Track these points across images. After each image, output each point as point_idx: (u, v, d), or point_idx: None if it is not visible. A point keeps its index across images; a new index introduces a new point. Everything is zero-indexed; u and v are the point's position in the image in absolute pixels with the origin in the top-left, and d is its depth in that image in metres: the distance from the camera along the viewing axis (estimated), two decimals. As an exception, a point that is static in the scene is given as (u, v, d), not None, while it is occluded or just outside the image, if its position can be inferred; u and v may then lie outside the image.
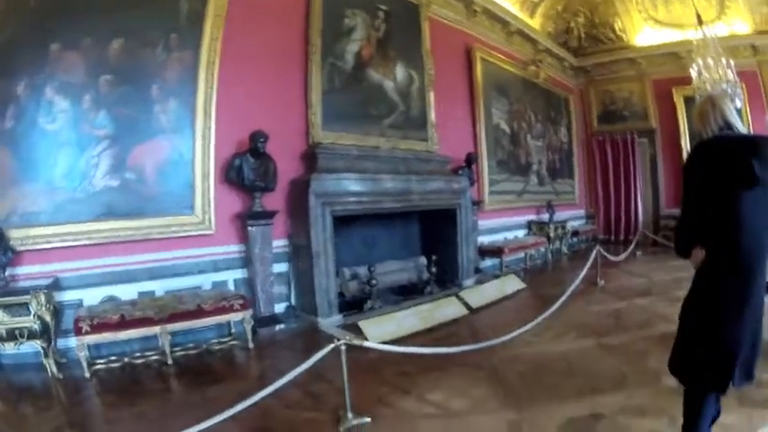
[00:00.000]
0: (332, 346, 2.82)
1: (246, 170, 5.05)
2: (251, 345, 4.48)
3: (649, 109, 11.93)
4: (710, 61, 8.06)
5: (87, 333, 3.72)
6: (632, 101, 12.18)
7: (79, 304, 4.23)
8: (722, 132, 2.28)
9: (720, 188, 2.14)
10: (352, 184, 5.71)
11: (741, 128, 2.31)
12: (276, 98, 5.63)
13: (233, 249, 5.21)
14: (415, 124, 7.19)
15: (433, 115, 7.44)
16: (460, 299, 5.89)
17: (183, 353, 4.26)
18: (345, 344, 2.84)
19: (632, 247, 9.17)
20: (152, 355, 4.12)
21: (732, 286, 2.14)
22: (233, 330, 4.72)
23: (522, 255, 8.87)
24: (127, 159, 4.53)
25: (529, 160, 10.41)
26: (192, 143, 4.92)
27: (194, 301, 4.31)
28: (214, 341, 4.54)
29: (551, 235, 9.79)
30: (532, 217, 10.17)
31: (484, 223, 8.49)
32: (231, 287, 5.11)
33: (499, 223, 9.09)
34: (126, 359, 4.06)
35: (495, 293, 6.41)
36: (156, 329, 3.97)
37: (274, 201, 5.39)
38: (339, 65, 6.31)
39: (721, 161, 2.15)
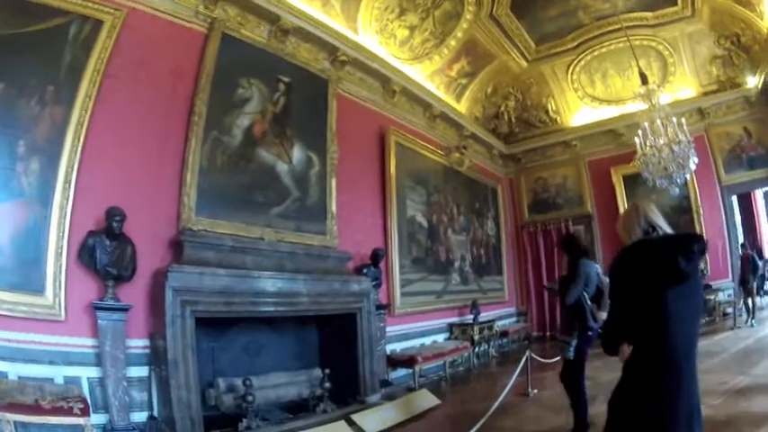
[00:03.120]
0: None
1: (100, 253, 4.43)
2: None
3: (585, 193, 11.83)
4: (659, 122, 7.79)
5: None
6: (566, 186, 12.12)
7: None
8: (647, 236, 2.40)
9: (648, 287, 2.21)
10: (221, 280, 4.96)
11: (667, 228, 2.43)
12: (149, 172, 5.08)
13: (87, 343, 4.45)
14: (311, 215, 6.46)
15: (333, 205, 6.76)
16: (353, 423, 5.14)
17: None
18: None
19: (570, 343, 8.61)
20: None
21: (661, 382, 2.19)
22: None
23: (441, 362, 8.03)
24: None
25: (450, 257, 9.74)
26: (48, 213, 4.36)
27: (35, 394, 3.83)
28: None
29: (476, 338, 9.02)
30: (454, 319, 9.42)
31: (395, 329, 7.66)
32: (85, 385, 4.37)
33: (414, 328, 8.26)
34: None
35: (398, 414, 5.60)
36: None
37: (135, 293, 4.72)
38: (224, 140, 5.62)
39: (648, 262, 2.24)
